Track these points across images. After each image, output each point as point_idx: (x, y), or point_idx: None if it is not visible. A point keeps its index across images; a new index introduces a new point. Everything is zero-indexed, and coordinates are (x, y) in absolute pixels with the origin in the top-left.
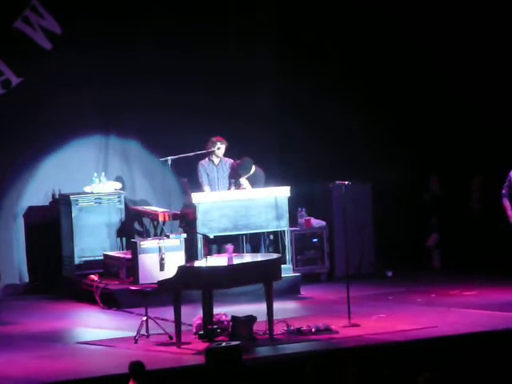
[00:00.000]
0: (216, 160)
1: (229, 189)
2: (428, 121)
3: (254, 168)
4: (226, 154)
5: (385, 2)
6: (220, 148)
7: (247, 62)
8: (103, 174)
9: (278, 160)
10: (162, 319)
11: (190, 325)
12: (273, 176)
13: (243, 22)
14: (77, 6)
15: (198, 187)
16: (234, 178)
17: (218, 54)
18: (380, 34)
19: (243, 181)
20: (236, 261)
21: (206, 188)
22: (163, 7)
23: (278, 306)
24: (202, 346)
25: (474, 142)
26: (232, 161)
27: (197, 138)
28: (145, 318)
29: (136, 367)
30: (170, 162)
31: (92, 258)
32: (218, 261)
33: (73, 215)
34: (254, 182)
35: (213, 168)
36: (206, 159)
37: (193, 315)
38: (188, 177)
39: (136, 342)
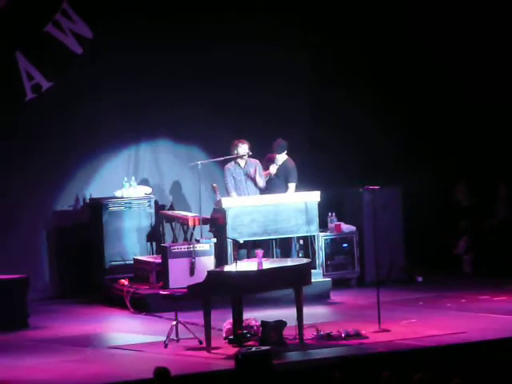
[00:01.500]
0: (242, 162)
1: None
2: (457, 127)
3: (286, 156)
4: (254, 154)
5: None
6: (243, 149)
7: (280, 61)
8: (133, 178)
9: (308, 163)
10: (192, 324)
11: (220, 329)
12: (303, 180)
13: (277, 22)
14: (107, 10)
15: (224, 191)
16: (266, 166)
17: (251, 54)
18: (409, 43)
19: (272, 167)
20: (266, 266)
21: (233, 194)
22: (194, 7)
23: (307, 310)
24: (231, 350)
25: (502, 150)
26: (258, 161)
27: (228, 139)
28: (175, 323)
29: (161, 373)
30: (199, 167)
31: (122, 263)
32: (248, 266)
33: (103, 219)
34: (286, 175)
35: (240, 171)
36: (232, 162)
37: (222, 320)
38: (218, 181)
39: (166, 347)
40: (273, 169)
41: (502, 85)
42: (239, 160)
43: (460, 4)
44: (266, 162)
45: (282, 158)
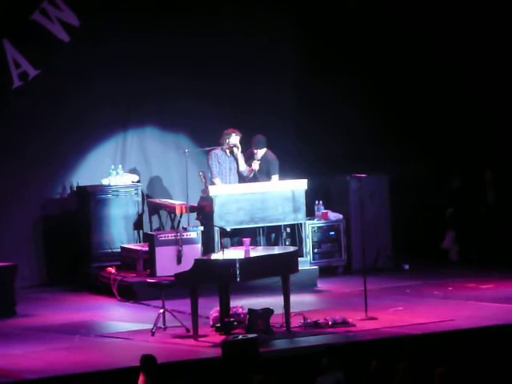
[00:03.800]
0: (228, 151)
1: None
2: (444, 116)
3: (265, 149)
4: (241, 143)
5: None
6: (234, 139)
7: (267, 53)
8: (120, 166)
9: (295, 152)
10: (179, 312)
11: (207, 317)
12: (290, 168)
13: (266, 14)
14: None
15: (209, 176)
16: (247, 162)
17: (238, 44)
18: (397, 33)
19: (254, 164)
20: (253, 254)
21: (217, 180)
22: None
23: (294, 298)
24: (218, 338)
25: (488, 136)
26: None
27: (215, 128)
28: (162, 311)
29: (147, 361)
30: (186, 155)
31: (109, 251)
32: (235, 254)
33: (90, 208)
34: (268, 168)
35: (225, 158)
36: (219, 148)
37: (210, 308)
38: (205, 169)
39: (153, 335)
40: (255, 165)
41: (491, 73)
42: (226, 148)
43: None
44: (247, 159)
45: (261, 152)
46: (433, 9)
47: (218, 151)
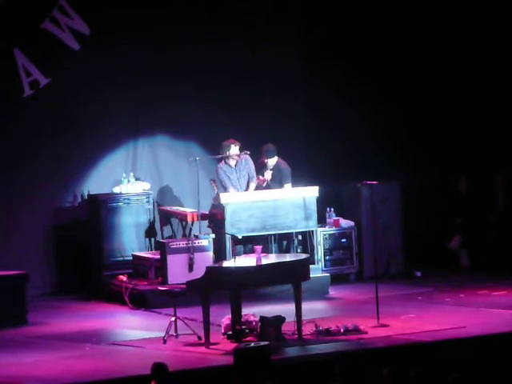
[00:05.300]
0: (232, 162)
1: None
2: (454, 123)
3: (276, 158)
4: (251, 150)
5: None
6: (234, 150)
7: (275, 60)
8: (132, 174)
9: (305, 160)
10: (191, 319)
11: (219, 325)
12: (301, 176)
13: (271, 21)
14: (104, 6)
15: (222, 189)
16: (259, 171)
17: (245, 52)
18: (404, 38)
19: (267, 174)
20: (264, 261)
21: (232, 189)
22: (192, 3)
23: (306, 306)
24: (230, 346)
25: (499, 141)
26: (248, 157)
27: (225, 136)
28: (173, 319)
29: (158, 369)
30: (197, 163)
31: (121, 259)
32: (247, 261)
33: (102, 216)
34: (280, 177)
35: (232, 170)
36: (223, 162)
37: (221, 315)
38: (216, 177)
39: (165, 343)
40: (268, 175)
41: (498, 79)
42: (230, 161)
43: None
44: (259, 168)
45: (272, 161)
46: (447, 16)
47: (222, 165)
